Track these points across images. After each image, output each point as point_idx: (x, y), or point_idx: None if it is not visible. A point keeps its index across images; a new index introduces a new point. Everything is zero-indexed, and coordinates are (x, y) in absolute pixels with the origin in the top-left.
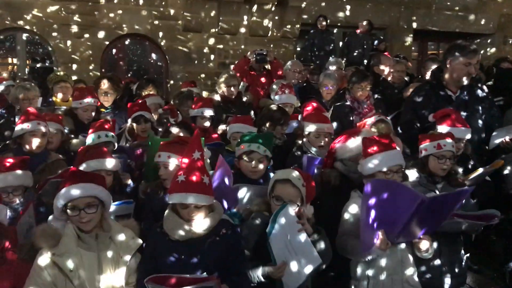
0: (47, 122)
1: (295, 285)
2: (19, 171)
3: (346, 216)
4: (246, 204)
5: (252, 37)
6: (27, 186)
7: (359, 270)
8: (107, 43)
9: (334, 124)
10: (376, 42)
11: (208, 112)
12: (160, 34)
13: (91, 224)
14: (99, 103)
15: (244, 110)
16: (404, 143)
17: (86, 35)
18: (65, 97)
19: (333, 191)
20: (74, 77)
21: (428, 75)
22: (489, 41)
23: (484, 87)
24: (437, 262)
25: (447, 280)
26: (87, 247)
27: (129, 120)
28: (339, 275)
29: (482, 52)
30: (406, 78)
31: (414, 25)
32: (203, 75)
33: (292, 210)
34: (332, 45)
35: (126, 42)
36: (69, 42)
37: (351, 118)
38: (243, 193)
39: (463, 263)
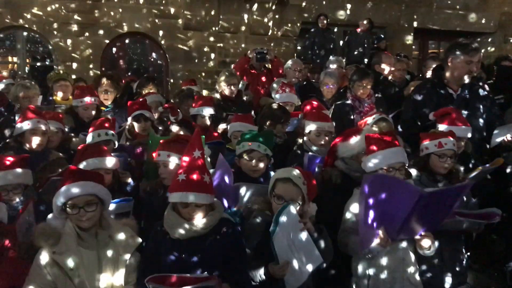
0: (48, 121)
1: (297, 284)
2: (19, 170)
3: (348, 213)
4: (247, 203)
5: (253, 36)
6: (27, 185)
7: (360, 268)
8: (107, 41)
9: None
10: (376, 40)
11: (209, 111)
12: (161, 32)
13: (90, 222)
14: (99, 102)
15: (244, 109)
16: (405, 142)
17: (86, 34)
18: (65, 96)
19: (334, 189)
20: (74, 76)
21: (428, 74)
22: (489, 39)
23: (485, 86)
24: (438, 261)
25: (448, 279)
26: (87, 245)
27: (129, 119)
28: (340, 273)
29: (482, 50)
30: (407, 77)
31: (415, 23)
32: (203, 74)
33: (294, 209)
34: (332, 44)
35: (126, 41)
36: (69, 41)
37: (352, 117)
38: (244, 192)
39: (464, 262)
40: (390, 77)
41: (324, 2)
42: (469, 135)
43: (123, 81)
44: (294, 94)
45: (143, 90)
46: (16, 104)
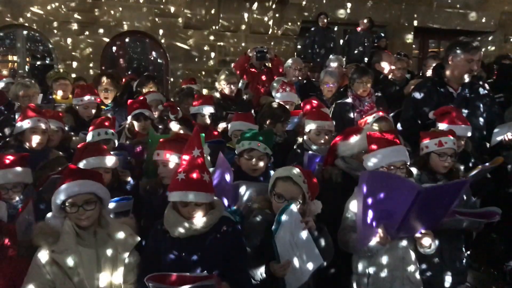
0: (48, 120)
1: (298, 284)
2: (18, 168)
3: (348, 212)
4: (247, 202)
5: (253, 35)
6: (26, 183)
7: (360, 266)
8: (107, 40)
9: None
10: (376, 39)
11: (209, 110)
12: (161, 31)
13: (89, 221)
14: (99, 100)
15: (244, 108)
16: (405, 141)
17: (87, 33)
18: (65, 95)
19: (334, 188)
20: (74, 75)
21: (429, 73)
22: (490, 38)
23: (485, 85)
24: (438, 259)
25: (448, 278)
26: (86, 244)
27: (129, 118)
28: (341, 271)
29: (483, 49)
30: (407, 76)
31: (415, 22)
32: (203, 73)
33: (296, 208)
34: (332, 42)
35: (127, 40)
36: (69, 40)
37: (352, 116)
38: (243, 191)
39: (464, 261)
40: (390, 76)
41: (324, 1)
42: (469, 134)
43: (123, 79)
44: (294, 93)
45: (143, 89)
46: (16, 103)
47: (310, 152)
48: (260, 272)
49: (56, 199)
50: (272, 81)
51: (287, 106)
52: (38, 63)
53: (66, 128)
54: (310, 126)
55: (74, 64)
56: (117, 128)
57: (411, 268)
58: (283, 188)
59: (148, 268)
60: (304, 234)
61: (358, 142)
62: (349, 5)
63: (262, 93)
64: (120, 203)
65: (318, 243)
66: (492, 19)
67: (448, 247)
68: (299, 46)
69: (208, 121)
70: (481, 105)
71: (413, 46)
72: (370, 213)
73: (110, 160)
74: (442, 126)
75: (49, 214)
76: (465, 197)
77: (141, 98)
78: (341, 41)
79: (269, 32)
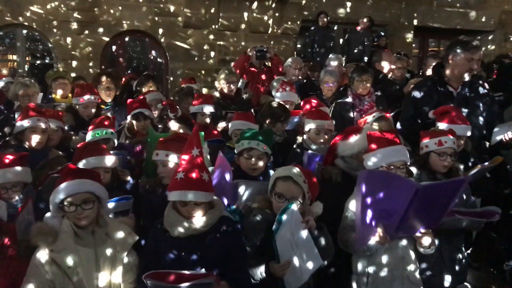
0: (48, 119)
1: (297, 284)
2: (18, 168)
3: (348, 211)
4: (247, 201)
5: (253, 34)
6: (26, 183)
7: (360, 265)
8: (107, 39)
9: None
10: (376, 38)
11: (209, 109)
12: (160, 30)
13: (87, 220)
14: (99, 100)
15: (243, 107)
16: (405, 140)
17: (86, 32)
18: (64, 94)
19: (334, 188)
20: (73, 74)
21: (429, 72)
22: (490, 38)
23: (485, 84)
24: (438, 259)
25: (448, 277)
26: (84, 243)
27: (129, 117)
28: (340, 271)
29: (483, 49)
30: (407, 75)
31: (415, 21)
32: (203, 72)
33: (297, 208)
34: (332, 42)
35: (126, 39)
36: (69, 39)
37: (352, 115)
38: (243, 190)
39: (464, 261)
40: (390, 75)
41: (324, 0)
42: (469, 133)
43: (123, 79)
44: (294, 93)
45: (142, 88)
46: (16, 102)
47: (309, 151)
48: (260, 272)
49: (55, 198)
50: (272, 80)
51: (287, 106)
52: (38, 62)
53: (66, 128)
54: (310, 126)
55: (74, 63)
56: (117, 128)
57: (411, 267)
58: (283, 188)
59: (148, 267)
60: (304, 234)
61: (358, 142)
62: (349, 4)
63: (262, 93)
64: (119, 203)
65: (318, 242)
66: (492, 18)
67: (448, 246)
68: (299, 45)
69: (208, 120)
70: (481, 105)
71: (413, 45)
72: (369, 213)
73: (110, 160)
74: (442, 125)
75: (47, 214)
76: (464, 197)
77: (141, 97)
78: (341, 40)
79: (269, 31)
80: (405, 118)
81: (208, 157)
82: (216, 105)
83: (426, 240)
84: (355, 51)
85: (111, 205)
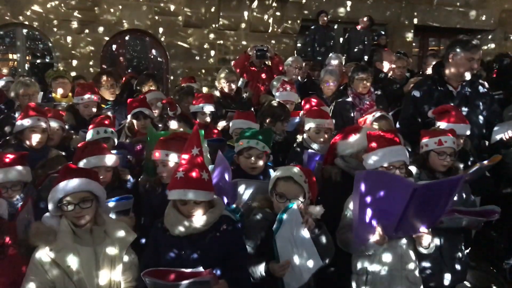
0: (49, 119)
1: (297, 284)
2: (18, 167)
3: (348, 211)
4: (247, 200)
5: (253, 33)
6: (26, 182)
7: (359, 265)
8: (107, 38)
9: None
10: (376, 37)
11: (209, 108)
12: (161, 29)
13: (86, 219)
14: (100, 99)
15: (243, 106)
16: (405, 139)
17: (86, 31)
18: (64, 93)
19: (333, 187)
20: (74, 73)
21: (429, 71)
22: (490, 37)
23: (485, 83)
24: (438, 258)
25: (447, 276)
26: (83, 242)
27: (129, 117)
28: (341, 270)
29: (484, 48)
30: (407, 74)
31: (415, 21)
32: (203, 71)
33: (298, 208)
34: (332, 41)
35: (126, 38)
36: (69, 38)
37: (352, 114)
38: (243, 189)
39: (463, 259)
40: (390, 75)
41: None
42: (468, 132)
43: (123, 78)
44: (294, 93)
45: (143, 87)
46: (16, 102)
47: (310, 150)
48: (260, 271)
49: (53, 197)
50: (272, 79)
51: (287, 106)
52: (38, 61)
53: (67, 127)
54: (310, 124)
55: (74, 62)
56: (117, 127)
57: (410, 266)
58: (284, 188)
59: (148, 266)
60: (304, 233)
61: (358, 141)
62: (349, 3)
63: (262, 92)
64: (120, 202)
65: (319, 240)
66: (492, 17)
67: (448, 245)
68: (299, 45)
69: (208, 119)
70: (481, 104)
71: (413, 44)
72: (367, 213)
73: (110, 159)
74: (441, 124)
75: (46, 214)
76: (464, 196)
77: (141, 96)
78: (341, 39)
79: (269, 31)
80: (405, 117)
81: (208, 156)
82: (216, 104)
83: (426, 240)
84: (355, 50)
85: (111, 204)
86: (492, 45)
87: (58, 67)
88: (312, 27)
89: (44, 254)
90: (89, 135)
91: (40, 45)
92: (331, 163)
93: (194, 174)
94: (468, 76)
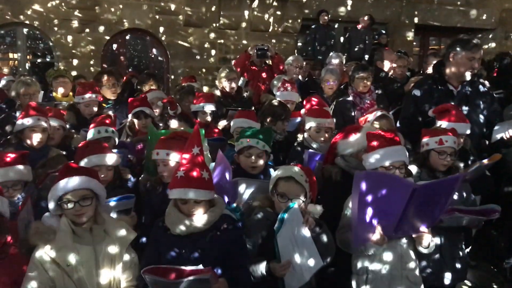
0: (50, 118)
1: (298, 284)
2: (19, 166)
3: (347, 210)
4: (248, 200)
5: (253, 32)
6: (27, 181)
7: (359, 264)
8: (107, 38)
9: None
10: (377, 36)
11: (210, 107)
12: (161, 29)
13: (86, 217)
14: (100, 98)
15: (244, 105)
16: (405, 138)
17: (87, 30)
18: (65, 92)
19: (334, 187)
20: (74, 72)
21: (429, 70)
22: (490, 36)
23: (486, 82)
24: (438, 257)
25: (448, 275)
26: (82, 241)
27: (130, 116)
28: (341, 270)
29: (485, 47)
30: (407, 74)
31: (416, 20)
32: (204, 70)
33: (299, 208)
34: (333, 40)
35: (127, 37)
36: (69, 37)
37: (353, 114)
38: (243, 189)
39: (464, 258)
40: (391, 74)
41: None
42: (468, 131)
43: (124, 77)
44: (295, 92)
45: (143, 87)
46: (17, 101)
47: (310, 150)
48: (261, 270)
49: (53, 195)
50: (273, 78)
51: (288, 105)
52: (39, 60)
53: (68, 126)
54: (310, 124)
55: (75, 61)
56: (118, 126)
57: (410, 266)
58: (285, 188)
59: (149, 265)
60: (305, 233)
61: (358, 141)
62: (349, 2)
63: (262, 91)
64: (121, 202)
65: (320, 239)
66: (493, 16)
67: (448, 244)
68: (299, 44)
69: (209, 119)
70: (481, 103)
71: (414, 43)
72: (367, 213)
73: (112, 158)
74: (442, 123)
75: (46, 214)
76: (465, 195)
77: (142, 96)
78: (342, 39)
79: (270, 30)
80: (406, 116)
81: (209, 154)
82: (217, 103)
83: (426, 240)
84: (356, 49)
85: (112, 204)
86: (493, 44)
87: (58, 67)
88: (313, 26)
89: (44, 253)
90: (90, 134)
91: (40, 44)
92: (331, 162)
93: (194, 173)
94: (468, 75)
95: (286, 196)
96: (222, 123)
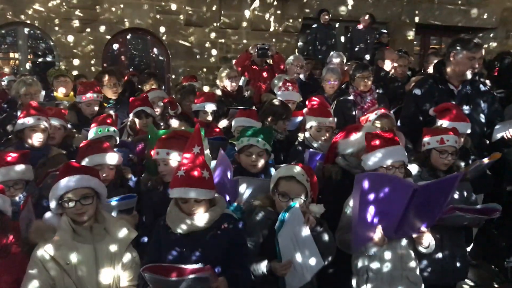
0: (51, 117)
1: (299, 284)
2: (20, 165)
3: (348, 210)
4: (248, 199)
5: (254, 32)
6: (28, 180)
7: (359, 265)
8: (108, 37)
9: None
10: (378, 35)
11: (211, 107)
12: (162, 28)
13: (87, 216)
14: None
15: (245, 105)
16: (406, 137)
17: (88, 30)
18: (66, 92)
19: (334, 186)
20: (75, 72)
21: (430, 69)
22: (491, 35)
23: (486, 82)
24: (439, 256)
25: (448, 274)
26: (82, 239)
27: (131, 115)
28: (341, 270)
29: (485, 46)
30: (408, 73)
31: (417, 19)
32: (204, 70)
33: (299, 208)
34: (334, 39)
35: (128, 37)
36: (70, 37)
37: (354, 113)
38: (244, 188)
39: (465, 257)
40: (391, 73)
41: None
42: (469, 131)
43: (125, 77)
44: (296, 92)
45: (144, 86)
46: (19, 100)
47: (311, 149)
48: (262, 270)
49: (54, 194)
50: (273, 78)
51: (289, 105)
52: (40, 60)
53: (69, 126)
54: (311, 123)
55: (76, 61)
56: (119, 125)
57: (410, 266)
58: (287, 188)
59: (151, 263)
60: (306, 232)
61: (359, 140)
62: (350, 1)
63: (263, 90)
64: (123, 202)
65: (321, 238)
66: (494, 16)
67: (449, 243)
68: (300, 43)
69: (210, 118)
70: (482, 102)
71: (415, 42)
72: (367, 214)
73: (113, 157)
74: (442, 123)
75: (47, 214)
76: (465, 194)
77: (143, 95)
78: (342, 38)
79: (271, 29)
80: (406, 115)
81: (209, 153)
82: (218, 103)
83: (426, 240)
84: (356, 49)
85: (114, 203)
86: (494, 44)
87: (59, 66)
88: (314, 26)
89: (44, 252)
90: (92, 133)
91: (41, 44)
92: (332, 162)
93: (195, 172)
94: (469, 75)
95: (287, 195)
96: (223, 123)
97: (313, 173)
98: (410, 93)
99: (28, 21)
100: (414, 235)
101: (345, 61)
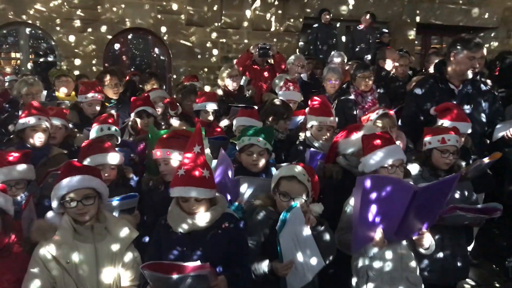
0: (52, 117)
1: (301, 284)
2: (21, 165)
3: (348, 209)
4: (250, 198)
5: (255, 31)
6: (29, 180)
7: (359, 265)
8: (110, 37)
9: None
10: (379, 34)
11: (212, 106)
12: (163, 28)
13: (88, 216)
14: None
15: (246, 103)
16: (407, 137)
17: (89, 30)
18: (68, 92)
19: (335, 186)
20: (76, 72)
21: (431, 69)
22: (492, 34)
23: (487, 81)
24: (440, 255)
25: (449, 274)
26: (83, 239)
27: (132, 115)
28: (342, 270)
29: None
30: (409, 73)
31: (417, 18)
32: (206, 70)
33: (300, 208)
34: (335, 39)
35: (129, 37)
36: (72, 37)
37: (355, 112)
38: (245, 187)
39: (466, 257)
40: (392, 72)
41: None
42: (469, 130)
43: (127, 76)
44: (297, 92)
45: (145, 86)
46: (20, 100)
47: (312, 149)
48: (263, 269)
49: (56, 194)
50: (274, 77)
51: (290, 104)
52: (41, 60)
53: (70, 125)
54: (312, 122)
55: (77, 61)
56: (120, 125)
57: (411, 267)
58: (288, 187)
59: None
60: (307, 232)
61: (359, 140)
62: (351, 1)
63: (264, 90)
64: (124, 201)
65: (322, 238)
66: (495, 15)
67: (450, 243)
68: (301, 43)
69: (211, 118)
70: (483, 102)
71: (416, 42)
72: (368, 217)
73: (115, 157)
74: (443, 122)
75: (49, 213)
76: (466, 193)
77: (144, 95)
78: (343, 38)
79: (272, 29)
80: (407, 115)
81: (209, 153)
82: (219, 102)
83: (426, 241)
84: (357, 49)
85: (115, 203)
86: (495, 43)
87: (61, 66)
88: (315, 26)
89: (45, 251)
90: (93, 132)
91: (43, 44)
92: (332, 161)
93: (195, 172)
94: (469, 74)
95: (288, 195)
96: (224, 122)
97: (314, 173)
98: (411, 92)
99: (30, 21)
100: (414, 237)
101: (346, 60)
